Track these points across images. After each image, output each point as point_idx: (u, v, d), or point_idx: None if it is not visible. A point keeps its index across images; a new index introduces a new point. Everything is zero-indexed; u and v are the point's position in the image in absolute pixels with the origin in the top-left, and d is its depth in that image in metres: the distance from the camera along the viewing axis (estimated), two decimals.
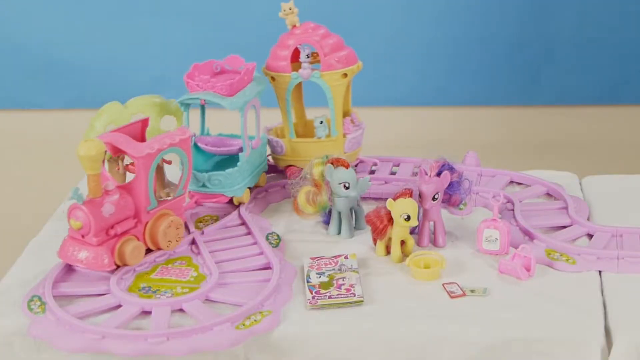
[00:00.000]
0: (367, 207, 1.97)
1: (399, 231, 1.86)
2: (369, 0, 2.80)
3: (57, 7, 2.81)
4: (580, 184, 2.21)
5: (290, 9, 2.12)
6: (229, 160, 2.09)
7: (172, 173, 2.08)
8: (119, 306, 1.71)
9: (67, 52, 2.86)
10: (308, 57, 2.09)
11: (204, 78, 1.99)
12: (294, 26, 2.12)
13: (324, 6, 2.80)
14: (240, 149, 2.04)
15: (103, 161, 1.85)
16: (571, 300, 1.73)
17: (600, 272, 1.83)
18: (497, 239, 1.88)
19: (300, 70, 2.09)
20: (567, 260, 1.85)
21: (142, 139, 1.93)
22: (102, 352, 1.62)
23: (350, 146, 2.15)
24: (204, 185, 2.00)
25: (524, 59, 2.85)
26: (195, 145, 2.07)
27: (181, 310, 1.71)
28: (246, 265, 1.85)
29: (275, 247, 1.91)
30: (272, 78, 2.12)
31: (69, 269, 1.83)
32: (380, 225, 1.87)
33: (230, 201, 2.04)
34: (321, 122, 2.13)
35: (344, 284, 1.78)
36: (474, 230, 1.93)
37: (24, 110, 2.95)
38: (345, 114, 2.18)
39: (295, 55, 2.12)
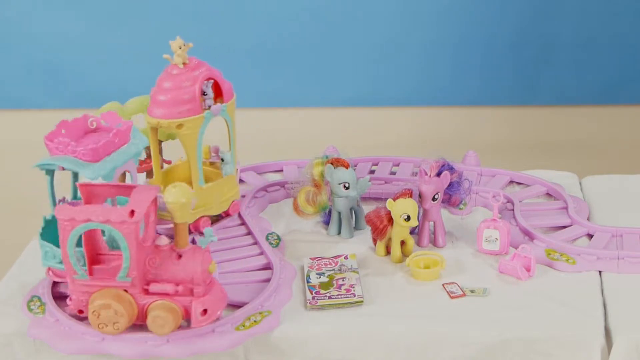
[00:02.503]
0: (367, 207, 1.97)
1: (399, 231, 1.86)
2: (369, 0, 2.80)
3: (57, 7, 2.81)
4: (580, 184, 2.21)
5: (180, 47, 1.89)
6: None
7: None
8: None
9: (67, 52, 2.85)
10: (206, 94, 1.90)
11: (62, 141, 1.70)
12: (185, 64, 1.89)
13: (323, 6, 2.80)
14: None
15: None
16: (571, 300, 1.73)
17: (600, 272, 1.83)
18: (497, 239, 1.88)
19: (212, 107, 1.89)
20: (567, 260, 1.85)
21: None
22: (101, 354, 1.62)
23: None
24: (60, 262, 1.68)
25: (524, 59, 2.85)
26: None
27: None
28: (246, 265, 1.85)
29: (275, 247, 1.91)
30: (179, 125, 1.87)
31: None
32: (380, 225, 1.87)
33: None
34: (222, 160, 1.99)
35: (344, 284, 1.78)
36: (474, 230, 1.93)
37: (24, 110, 2.95)
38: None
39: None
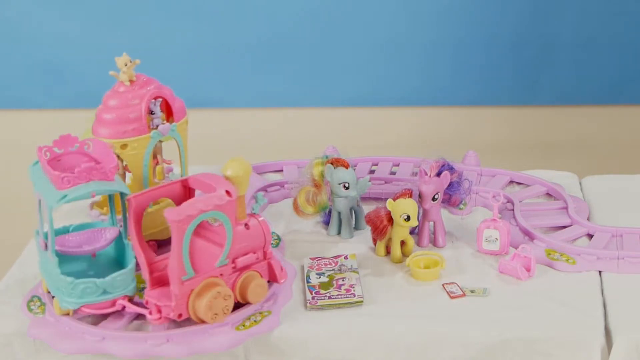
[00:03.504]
0: (367, 207, 1.97)
1: (399, 231, 1.86)
2: (369, 0, 2.80)
3: (57, 7, 2.81)
4: (580, 184, 2.21)
5: (126, 64, 1.81)
6: (79, 258, 1.74)
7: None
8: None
9: (67, 52, 2.85)
10: (153, 113, 1.84)
11: (87, 167, 1.64)
12: (132, 81, 1.83)
13: (323, 6, 2.80)
14: (111, 242, 1.74)
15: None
16: (571, 300, 1.73)
17: (600, 272, 1.83)
18: (497, 239, 1.88)
19: (160, 127, 1.83)
20: (567, 260, 1.85)
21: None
22: (101, 353, 1.62)
23: None
24: (105, 292, 1.65)
25: (524, 59, 2.85)
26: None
27: None
28: None
29: (275, 247, 1.91)
30: (124, 146, 1.80)
31: None
32: (380, 226, 1.87)
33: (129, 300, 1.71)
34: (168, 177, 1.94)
35: (343, 284, 1.78)
36: (474, 230, 1.93)
37: (24, 110, 2.95)
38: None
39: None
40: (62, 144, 1.72)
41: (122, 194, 1.67)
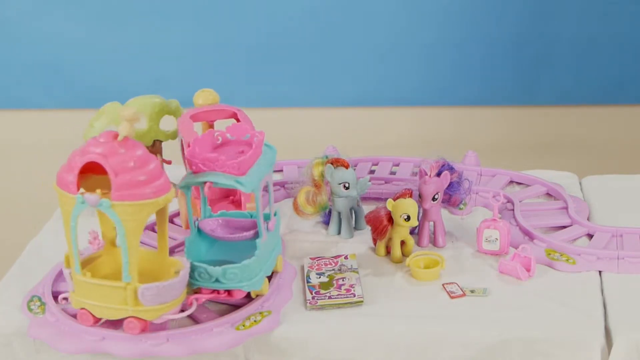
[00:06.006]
0: (367, 207, 1.97)
1: (399, 231, 1.86)
2: (369, 1, 2.80)
3: (57, 7, 2.81)
4: (580, 184, 2.21)
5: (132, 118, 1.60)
6: (235, 244, 1.79)
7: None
8: None
9: (67, 52, 2.85)
10: None
11: (211, 157, 1.67)
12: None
13: (324, 6, 2.80)
14: (256, 234, 1.75)
15: None
16: (571, 300, 1.73)
17: (600, 272, 1.83)
18: (497, 239, 1.88)
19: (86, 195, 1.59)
20: (567, 260, 1.85)
21: None
22: (101, 353, 1.62)
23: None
24: (217, 281, 1.68)
25: (524, 59, 2.85)
26: (199, 231, 1.77)
27: (181, 310, 1.71)
28: None
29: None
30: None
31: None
32: (380, 226, 1.86)
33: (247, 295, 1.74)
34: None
35: (344, 284, 1.78)
36: (474, 230, 1.93)
37: (24, 110, 2.95)
38: None
39: None
40: (235, 132, 1.76)
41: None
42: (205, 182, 1.69)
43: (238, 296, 1.69)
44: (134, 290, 1.58)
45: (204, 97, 2.02)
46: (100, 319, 1.64)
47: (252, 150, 1.69)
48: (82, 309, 1.63)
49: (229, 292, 1.69)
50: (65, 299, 1.68)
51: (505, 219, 1.93)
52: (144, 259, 1.65)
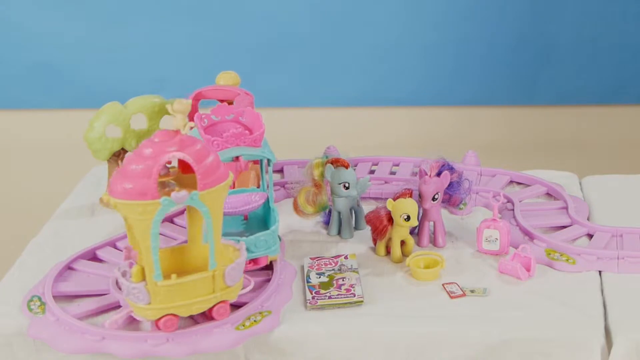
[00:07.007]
0: (367, 207, 1.97)
1: (399, 231, 1.86)
2: (369, 1, 2.80)
3: (57, 7, 2.81)
4: (580, 184, 2.21)
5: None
6: (234, 219, 1.85)
7: None
8: (119, 306, 1.71)
9: (67, 52, 2.86)
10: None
11: (236, 132, 1.77)
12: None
13: (324, 6, 2.80)
14: (261, 204, 1.83)
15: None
16: (571, 300, 1.73)
17: (600, 272, 1.83)
18: (497, 239, 1.88)
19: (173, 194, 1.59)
20: (567, 260, 1.85)
21: None
22: (102, 353, 1.62)
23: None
24: (248, 250, 1.74)
25: (524, 59, 2.85)
26: None
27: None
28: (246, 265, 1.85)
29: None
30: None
31: (68, 269, 1.83)
32: (380, 226, 1.87)
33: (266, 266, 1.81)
34: None
35: (344, 284, 1.78)
36: (474, 230, 1.93)
37: (24, 110, 2.95)
38: None
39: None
40: (219, 113, 1.83)
41: (269, 160, 1.79)
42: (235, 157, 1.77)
43: (262, 263, 1.78)
44: (222, 275, 1.63)
45: (225, 79, 2.13)
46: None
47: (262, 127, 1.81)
48: (165, 315, 1.62)
49: (254, 260, 1.77)
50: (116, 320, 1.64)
51: (505, 219, 1.93)
52: (163, 258, 1.62)
